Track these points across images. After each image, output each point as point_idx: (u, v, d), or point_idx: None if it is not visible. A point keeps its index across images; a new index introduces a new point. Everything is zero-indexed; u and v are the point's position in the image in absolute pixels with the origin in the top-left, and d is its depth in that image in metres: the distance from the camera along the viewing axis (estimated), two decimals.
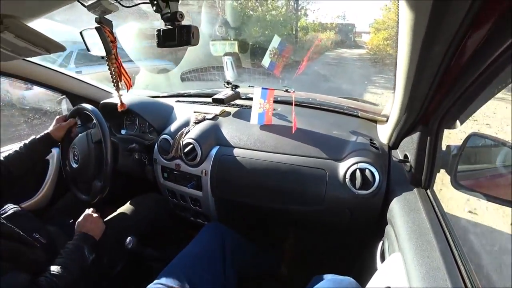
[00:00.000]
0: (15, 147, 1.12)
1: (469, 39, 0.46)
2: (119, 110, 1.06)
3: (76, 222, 1.03)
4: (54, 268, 0.83)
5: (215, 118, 1.25)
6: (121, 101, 1.01)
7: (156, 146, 1.25)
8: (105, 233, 1.09)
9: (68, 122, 1.21)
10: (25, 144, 1.11)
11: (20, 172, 1.09)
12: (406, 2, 0.42)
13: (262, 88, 1.13)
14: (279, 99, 1.29)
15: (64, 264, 0.85)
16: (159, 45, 0.70)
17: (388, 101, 1.01)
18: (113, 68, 0.76)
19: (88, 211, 1.08)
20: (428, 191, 0.84)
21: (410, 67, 0.55)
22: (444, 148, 0.82)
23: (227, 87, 1.35)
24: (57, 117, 1.22)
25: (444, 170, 0.83)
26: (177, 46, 0.65)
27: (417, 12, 0.41)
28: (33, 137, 1.14)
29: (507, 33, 0.41)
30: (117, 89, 0.82)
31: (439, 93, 0.64)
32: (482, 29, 0.41)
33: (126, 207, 1.24)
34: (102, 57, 0.81)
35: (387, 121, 1.01)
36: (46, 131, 1.16)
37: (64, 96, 1.51)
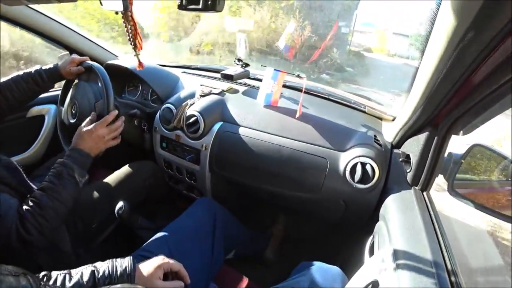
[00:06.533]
0: (17, 73, 1.01)
1: (499, 49, 0.46)
2: (137, 69, 0.99)
3: (78, 129, 0.93)
4: (37, 198, 0.75)
5: (221, 93, 1.23)
6: (139, 61, 0.96)
7: (158, 114, 1.23)
8: (96, 196, 1.07)
9: (78, 68, 1.06)
10: (29, 72, 1.01)
11: (15, 102, 1.00)
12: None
13: (274, 69, 1.11)
14: (288, 84, 1.27)
15: (50, 192, 0.78)
16: (181, 7, 0.66)
17: (394, 102, 1.01)
18: (129, 26, 0.72)
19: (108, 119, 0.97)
20: (425, 193, 0.86)
21: (437, 67, 0.54)
22: (446, 154, 0.83)
23: (238, 64, 1.32)
24: (73, 55, 1.09)
25: (442, 175, 0.84)
26: (201, 11, 0.62)
27: (461, 11, 0.40)
28: (39, 66, 1.03)
29: None
30: (135, 48, 0.78)
31: (456, 97, 0.64)
32: None
33: (121, 172, 1.21)
34: (116, 13, 0.77)
35: (393, 120, 1.02)
36: (55, 64, 1.05)
37: (67, 52, 1.45)
